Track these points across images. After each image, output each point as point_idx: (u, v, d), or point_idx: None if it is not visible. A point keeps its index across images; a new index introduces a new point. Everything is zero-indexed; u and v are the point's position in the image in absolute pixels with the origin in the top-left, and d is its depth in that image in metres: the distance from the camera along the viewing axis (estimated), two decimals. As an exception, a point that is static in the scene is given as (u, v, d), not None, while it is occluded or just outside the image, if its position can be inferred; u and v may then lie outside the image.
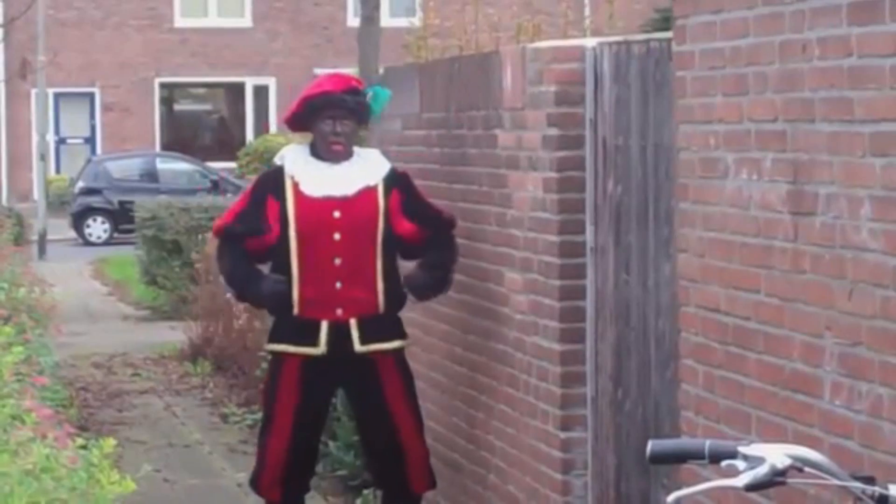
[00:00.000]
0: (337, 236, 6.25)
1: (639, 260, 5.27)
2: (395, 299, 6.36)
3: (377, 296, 6.26)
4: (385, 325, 6.30)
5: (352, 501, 7.97)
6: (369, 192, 6.32)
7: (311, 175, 6.32)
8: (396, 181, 6.40)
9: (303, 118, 6.35)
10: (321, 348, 6.21)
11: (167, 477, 8.69)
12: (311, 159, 6.35)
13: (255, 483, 6.46)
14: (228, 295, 7.47)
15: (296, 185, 6.31)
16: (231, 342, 11.89)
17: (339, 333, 6.22)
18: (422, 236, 6.36)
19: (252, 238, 6.33)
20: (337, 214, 6.28)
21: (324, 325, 6.22)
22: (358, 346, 6.22)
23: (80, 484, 3.14)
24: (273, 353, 6.40)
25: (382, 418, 6.28)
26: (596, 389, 5.60)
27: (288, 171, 6.34)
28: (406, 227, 6.37)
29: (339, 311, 6.22)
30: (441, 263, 6.40)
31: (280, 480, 6.32)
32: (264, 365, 9.76)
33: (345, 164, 6.35)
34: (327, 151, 6.32)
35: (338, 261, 6.23)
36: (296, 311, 6.25)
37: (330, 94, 6.28)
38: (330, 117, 6.26)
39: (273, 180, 6.39)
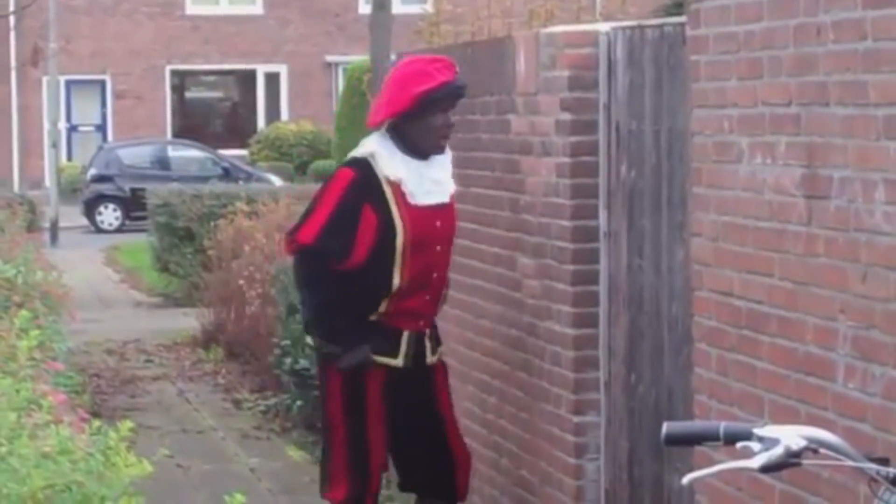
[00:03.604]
0: (438, 248, 5.76)
1: (652, 244, 5.27)
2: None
3: (440, 304, 5.98)
4: (436, 330, 5.98)
5: (365, 486, 7.98)
6: (453, 194, 5.88)
7: (415, 179, 5.67)
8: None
9: (413, 111, 5.65)
10: (400, 360, 5.73)
11: (180, 462, 8.71)
12: (405, 158, 5.68)
13: (360, 496, 5.78)
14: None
15: (400, 192, 5.65)
16: (243, 329, 11.91)
17: (417, 345, 5.79)
18: None
19: (338, 259, 5.63)
20: (438, 224, 5.76)
21: (405, 337, 5.73)
22: (430, 358, 5.85)
23: (97, 466, 3.16)
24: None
25: (441, 426, 5.90)
26: (609, 374, 5.61)
27: (387, 174, 5.64)
28: None
29: (421, 323, 5.81)
30: None
31: (378, 478, 5.87)
32: (277, 351, 9.80)
33: (435, 161, 5.75)
34: (432, 146, 5.71)
35: (435, 275, 5.79)
36: (375, 317, 5.71)
37: (450, 84, 5.67)
38: (443, 109, 5.68)
39: (368, 185, 5.64)
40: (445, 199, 5.78)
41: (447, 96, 5.68)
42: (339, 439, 5.75)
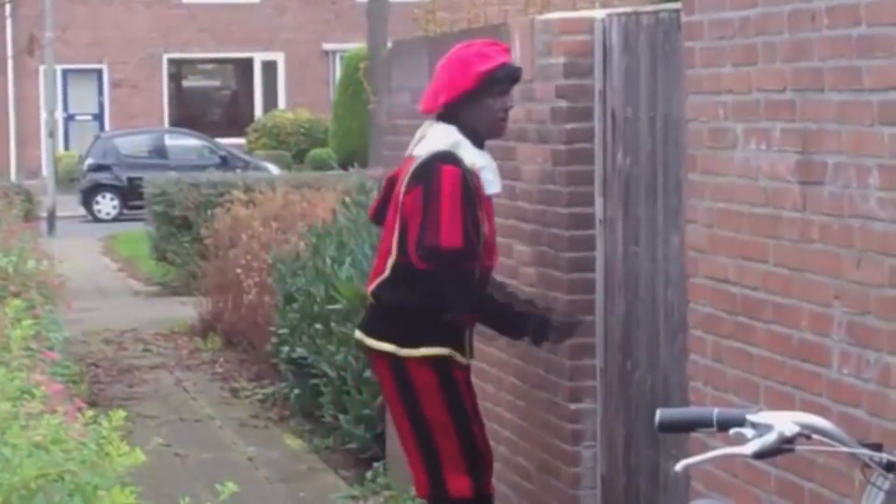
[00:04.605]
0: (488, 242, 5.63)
1: (648, 231, 5.27)
2: None
3: None
4: None
5: (362, 474, 7.99)
6: None
7: (488, 170, 5.56)
8: None
9: (475, 92, 5.51)
10: (467, 358, 5.66)
11: (178, 451, 8.72)
12: (474, 148, 5.54)
13: (481, 490, 5.63)
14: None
15: (479, 181, 5.51)
16: (241, 317, 11.92)
17: (470, 342, 5.70)
18: None
19: (475, 259, 5.49)
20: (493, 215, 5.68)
21: (467, 334, 5.65)
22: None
23: (90, 456, 3.15)
24: (430, 357, 5.54)
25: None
26: (605, 361, 5.61)
27: (471, 165, 5.49)
28: None
29: (472, 320, 5.70)
30: None
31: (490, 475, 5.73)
32: (274, 339, 9.80)
33: (486, 150, 5.63)
34: (493, 132, 5.59)
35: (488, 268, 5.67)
36: (448, 316, 5.54)
37: (510, 66, 5.55)
38: (501, 93, 5.54)
39: (468, 181, 5.47)
40: (499, 189, 5.67)
41: (507, 77, 5.56)
42: (450, 440, 5.56)
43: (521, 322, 5.63)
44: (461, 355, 5.61)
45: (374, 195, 7.68)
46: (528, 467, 6.06)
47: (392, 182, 5.74)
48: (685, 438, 4.65)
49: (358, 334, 5.76)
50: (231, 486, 3.03)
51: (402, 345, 5.54)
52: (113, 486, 3.12)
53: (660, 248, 5.18)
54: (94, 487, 3.09)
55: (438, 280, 5.50)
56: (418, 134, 5.67)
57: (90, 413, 3.46)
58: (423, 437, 5.59)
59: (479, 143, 5.57)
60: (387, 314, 5.61)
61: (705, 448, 4.24)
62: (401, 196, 5.52)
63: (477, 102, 5.53)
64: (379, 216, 5.83)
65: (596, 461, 5.66)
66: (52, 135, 29.21)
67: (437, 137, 5.53)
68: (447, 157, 5.48)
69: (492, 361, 6.43)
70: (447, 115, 5.57)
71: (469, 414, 5.63)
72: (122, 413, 3.28)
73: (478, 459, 5.63)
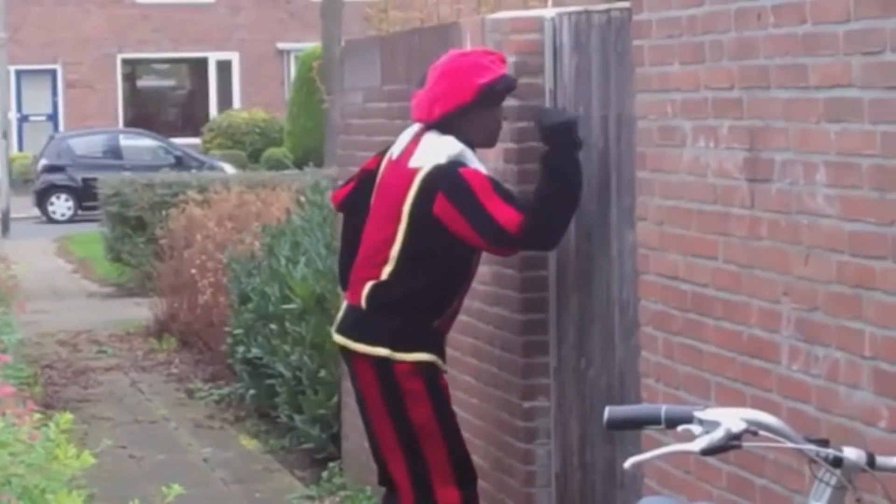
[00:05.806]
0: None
1: (601, 229, 5.28)
2: None
3: None
4: None
5: (318, 475, 7.99)
6: None
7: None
8: None
9: (473, 104, 5.43)
10: (446, 365, 5.63)
11: (133, 453, 8.70)
12: (475, 157, 5.49)
13: (469, 498, 5.57)
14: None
15: None
16: (196, 318, 11.89)
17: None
18: None
19: None
20: None
21: (445, 340, 5.63)
22: None
23: (38, 459, 3.13)
24: (421, 364, 5.47)
25: None
26: (559, 358, 5.62)
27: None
28: None
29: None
30: None
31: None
32: (229, 340, 9.78)
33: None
34: (488, 142, 5.54)
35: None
36: (436, 323, 5.51)
37: (508, 78, 5.47)
38: (497, 104, 5.49)
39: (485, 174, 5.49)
40: None
41: (506, 90, 5.50)
42: (438, 449, 5.51)
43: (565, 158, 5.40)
44: (443, 362, 5.58)
45: (330, 194, 7.65)
46: (483, 465, 6.07)
47: (370, 175, 5.68)
48: (639, 435, 4.67)
49: (340, 339, 5.61)
50: (177, 488, 3.02)
51: (396, 349, 5.45)
52: (62, 488, 3.10)
53: (613, 245, 5.20)
54: (41, 490, 3.08)
55: (539, 247, 5.52)
56: (405, 138, 5.57)
57: (38, 416, 3.44)
58: (409, 445, 5.50)
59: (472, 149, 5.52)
60: (381, 319, 5.49)
61: (658, 445, 4.25)
62: (407, 206, 5.42)
63: (474, 114, 5.45)
64: (348, 207, 5.79)
65: (550, 459, 5.67)
66: (5, 135, 29.03)
67: (439, 147, 5.44)
68: (458, 163, 5.43)
69: (446, 360, 6.43)
70: (443, 125, 5.47)
71: (455, 423, 5.58)
72: (69, 416, 3.26)
73: (465, 470, 5.58)
